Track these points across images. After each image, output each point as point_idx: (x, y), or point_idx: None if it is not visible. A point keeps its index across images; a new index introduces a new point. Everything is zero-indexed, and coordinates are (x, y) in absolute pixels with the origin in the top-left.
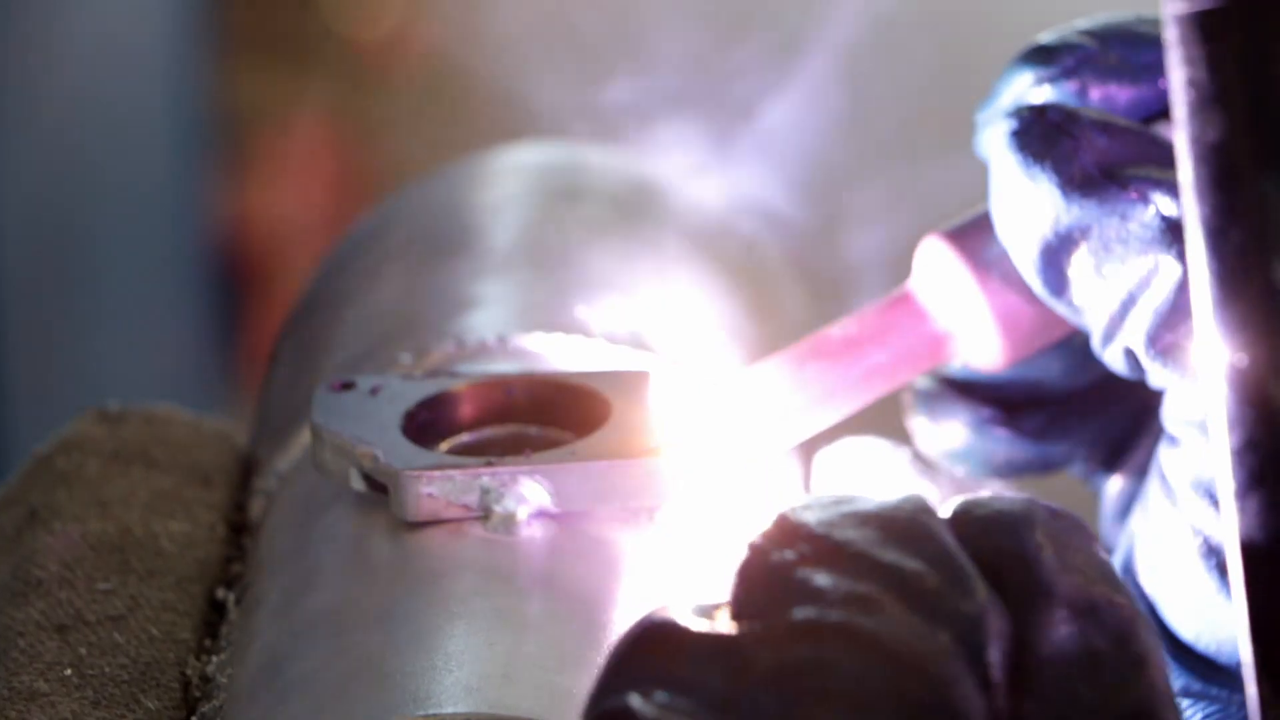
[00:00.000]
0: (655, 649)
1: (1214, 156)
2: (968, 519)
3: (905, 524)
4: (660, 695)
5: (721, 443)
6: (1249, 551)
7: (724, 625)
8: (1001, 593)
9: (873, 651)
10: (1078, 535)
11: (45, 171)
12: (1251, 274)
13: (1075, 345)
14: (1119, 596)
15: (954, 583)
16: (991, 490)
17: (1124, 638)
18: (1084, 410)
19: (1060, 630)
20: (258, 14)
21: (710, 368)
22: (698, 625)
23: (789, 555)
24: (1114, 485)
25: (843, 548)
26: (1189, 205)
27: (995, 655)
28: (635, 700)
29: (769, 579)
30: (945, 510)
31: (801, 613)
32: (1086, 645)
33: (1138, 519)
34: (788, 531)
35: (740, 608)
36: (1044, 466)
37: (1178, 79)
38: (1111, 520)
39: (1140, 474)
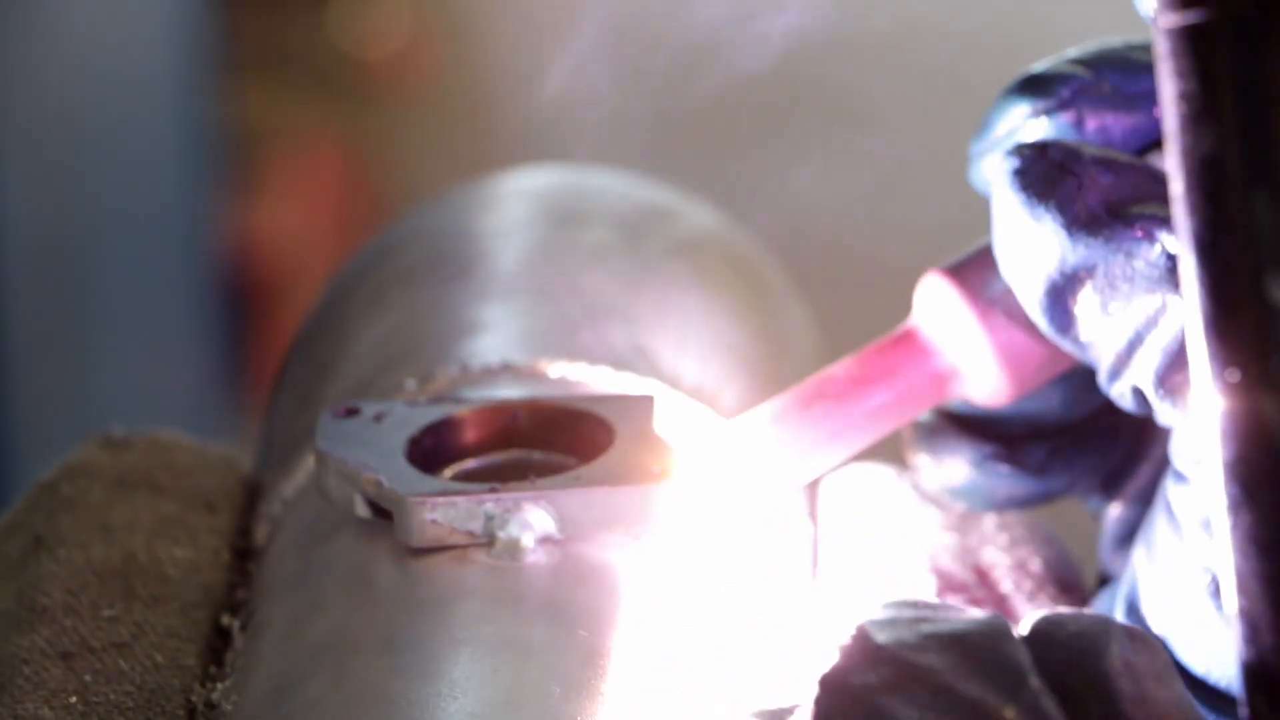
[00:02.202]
0: None
1: (1205, 170)
2: (1047, 642)
3: (988, 652)
4: None
5: (728, 484)
6: (1241, 568)
7: None
8: None
9: None
10: (1155, 662)
11: (52, 191)
12: (1242, 288)
13: (1075, 376)
14: None
15: (1035, 718)
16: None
17: None
18: (1084, 441)
19: None
20: (266, 34)
21: (713, 397)
22: None
23: (871, 679)
24: (1113, 511)
25: (926, 676)
26: (1180, 219)
27: None
28: None
29: (850, 704)
30: (1024, 627)
31: None
32: None
33: (1141, 556)
34: (869, 653)
35: None
36: (1044, 499)
37: (1169, 92)
38: (1111, 546)
39: (1139, 500)
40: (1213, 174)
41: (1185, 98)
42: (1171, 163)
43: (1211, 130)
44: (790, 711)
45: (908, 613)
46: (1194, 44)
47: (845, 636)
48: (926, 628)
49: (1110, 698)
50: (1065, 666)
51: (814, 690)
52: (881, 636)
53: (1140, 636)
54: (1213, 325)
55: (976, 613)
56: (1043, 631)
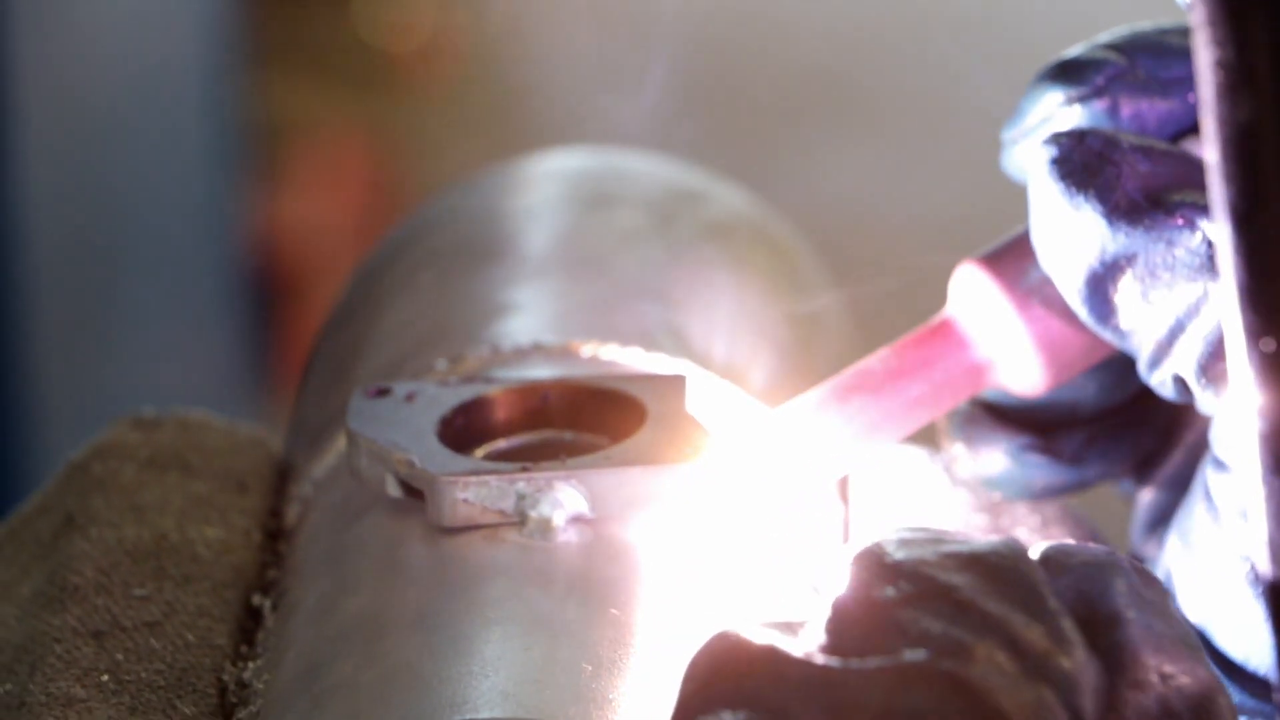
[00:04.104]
0: (751, 670)
1: (1241, 138)
2: (1058, 569)
3: (1009, 572)
4: None
5: (766, 476)
6: (1274, 536)
7: (819, 655)
8: (1092, 648)
9: (981, 703)
10: (1158, 594)
11: (80, 182)
12: (1278, 257)
13: (1110, 364)
14: (1200, 667)
15: (1057, 640)
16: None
17: (1203, 706)
18: (1119, 428)
19: (1147, 694)
20: (291, 26)
21: (743, 377)
22: (795, 650)
23: (890, 592)
24: (1145, 495)
25: (949, 592)
26: (1215, 188)
27: (1090, 713)
28: None
29: (869, 614)
30: (1034, 554)
31: (912, 655)
32: (1167, 710)
33: (1175, 544)
34: (886, 569)
35: (836, 638)
36: (1080, 487)
37: (1205, 60)
38: (1143, 530)
39: (1171, 485)
40: (1249, 143)
41: (1222, 65)
42: (1207, 132)
43: (1248, 98)
44: (802, 624)
45: (922, 535)
46: (1231, 11)
47: (858, 555)
48: (944, 548)
49: (1118, 625)
50: (1075, 594)
51: (828, 604)
52: (899, 554)
53: (1145, 572)
54: (1247, 294)
55: (991, 536)
56: (1053, 560)
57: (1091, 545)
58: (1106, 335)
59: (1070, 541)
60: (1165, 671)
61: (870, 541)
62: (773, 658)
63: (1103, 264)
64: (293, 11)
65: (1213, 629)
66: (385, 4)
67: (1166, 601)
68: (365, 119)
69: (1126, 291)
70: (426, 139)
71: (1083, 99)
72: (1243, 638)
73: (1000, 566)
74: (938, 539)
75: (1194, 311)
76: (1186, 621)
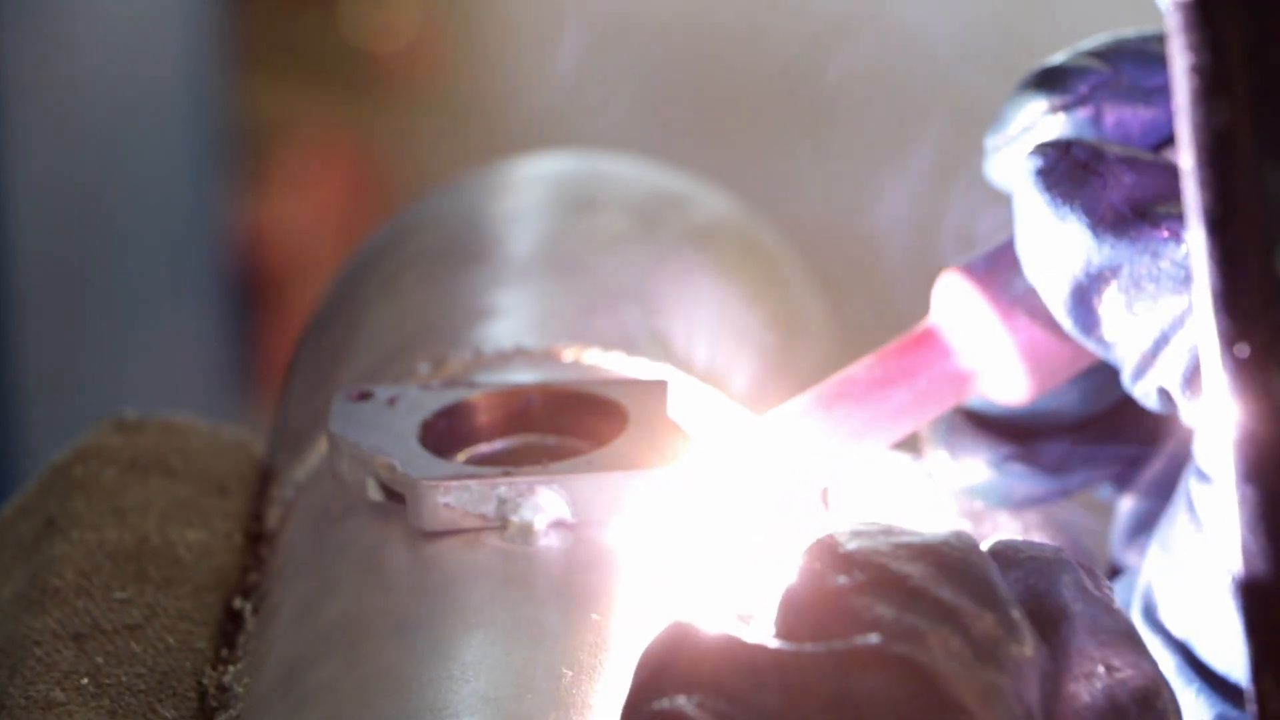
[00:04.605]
0: (704, 656)
1: (1216, 144)
2: (1006, 562)
3: (960, 563)
4: (717, 704)
5: (749, 484)
6: (1248, 544)
7: (772, 641)
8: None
9: (933, 687)
10: (1104, 590)
11: (65, 184)
12: (1253, 262)
13: (1092, 373)
14: (1145, 661)
15: (1008, 628)
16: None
17: (1148, 699)
18: (1100, 437)
19: (1093, 686)
20: (276, 27)
21: (725, 381)
22: (749, 637)
23: (842, 581)
24: (1126, 503)
25: (901, 580)
26: (1190, 194)
27: (1037, 701)
28: (689, 706)
29: (822, 602)
30: (984, 548)
31: (864, 640)
32: (1113, 703)
33: (1156, 556)
34: (840, 557)
35: (788, 626)
36: (1061, 496)
37: (1180, 66)
38: (1124, 538)
39: (1152, 493)
40: (1224, 148)
41: (1197, 71)
42: (1182, 137)
43: (1223, 104)
44: (754, 615)
45: (874, 527)
46: (1206, 17)
47: (810, 546)
48: (896, 539)
49: (1065, 619)
50: (1023, 587)
51: (780, 594)
52: (851, 545)
53: (1091, 569)
54: (1222, 300)
55: (943, 528)
56: (1002, 554)
57: (1040, 541)
58: (1091, 346)
59: (1016, 537)
60: (1111, 665)
61: (822, 533)
62: (726, 644)
63: (1088, 275)
64: (278, 13)
65: (1195, 640)
66: (370, 6)
67: (1112, 597)
68: (350, 121)
69: (1111, 303)
70: (411, 141)
71: (1066, 107)
72: (1226, 649)
73: (952, 557)
74: (889, 530)
75: (1179, 323)
76: (1130, 620)
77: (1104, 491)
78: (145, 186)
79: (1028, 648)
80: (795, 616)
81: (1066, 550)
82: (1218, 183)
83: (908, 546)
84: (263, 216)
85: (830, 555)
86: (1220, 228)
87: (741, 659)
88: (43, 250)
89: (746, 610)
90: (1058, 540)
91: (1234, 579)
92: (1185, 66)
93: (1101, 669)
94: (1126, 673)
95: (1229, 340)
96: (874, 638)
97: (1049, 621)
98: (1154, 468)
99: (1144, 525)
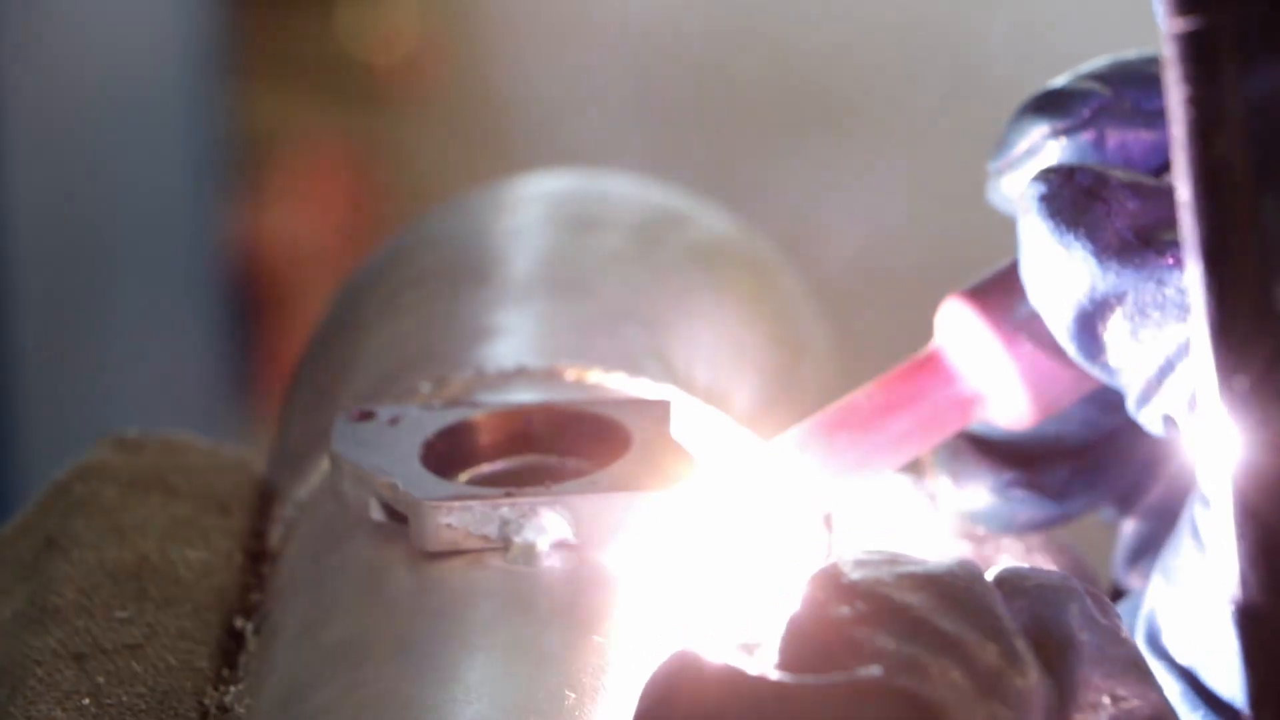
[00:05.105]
0: (707, 687)
1: (1213, 176)
2: (1012, 591)
3: (963, 593)
4: None
5: (752, 511)
6: (1247, 576)
7: (774, 672)
8: (1045, 670)
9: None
10: (1111, 618)
11: (62, 194)
12: (1251, 294)
13: (1095, 398)
14: (1152, 691)
15: (1011, 659)
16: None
17: None
18: (1103, 462)
19: (1098, 715)
20: (275, 38)
21: (727, 401)
22: (750, 667)
23: (845, 611)
24: (1128, 526)
25: (903, 611)
26: (1186, 226)
27: None
28: None
29: (825, 633)
30: (989, 576)
31: (866, 671)
32: None
33: (1159, 584)
34: (842, 589)
35: (791, 657)
36: (1064, 521)
37: (1176, 98)
38: (1126, 560)
39: (1154, 517)
40: (1220, 180)
41: (1193, 102)
42: (1179, 169)
43: (1219, 136)
44: (759, 644)
45: (878, 556)
46: (1201, 49)
47: (814, 575)
48: (900, 568)
49: (1071, 648)
50: (1029, 616)
51: (783, 624)
52: (855, 574)
53: (1099, 597)
54: (1220, 332)
55: (947, 557)
56: (1008, 582)
57: (1047, 569)
58: (1095, 372)
59: (1023, 565)
60: (1117, 694)
61: (826, 562)
62: (728, 675)
63: (1092, 302)
64: (277, 23)
65: (1201, 668)
66: (369, 16)
67: (1119, 625)
68: (348, 131)
69: (1116, 330)
70: (410, 151)
71: (1069, 131)
72: (1231, 676)
73: (955, 587)
74: (894, 559)
75: (1184, 350)
76: (1138, 649)
77: (1106, 514)
78: (144, 197)
79: (1031, 679)
80: (798, 647)
81: (1073, 577)
82: (1214, 214)
83: (911, 576)
84: (261, 227)
85: (833, 585)
86: (1217, 259)
87: (744, 691)
88: (40, 262)
89: (749, 637)
90: (1060, 560)
91: (1234, 609)
92: (1182, 97)
93: (1107, 699)
94: (1133, 703)
95: (1227, 372)
96: (876, 670)
97: (1055, 650)
98: (1157, 491)
99: (1147, 548)
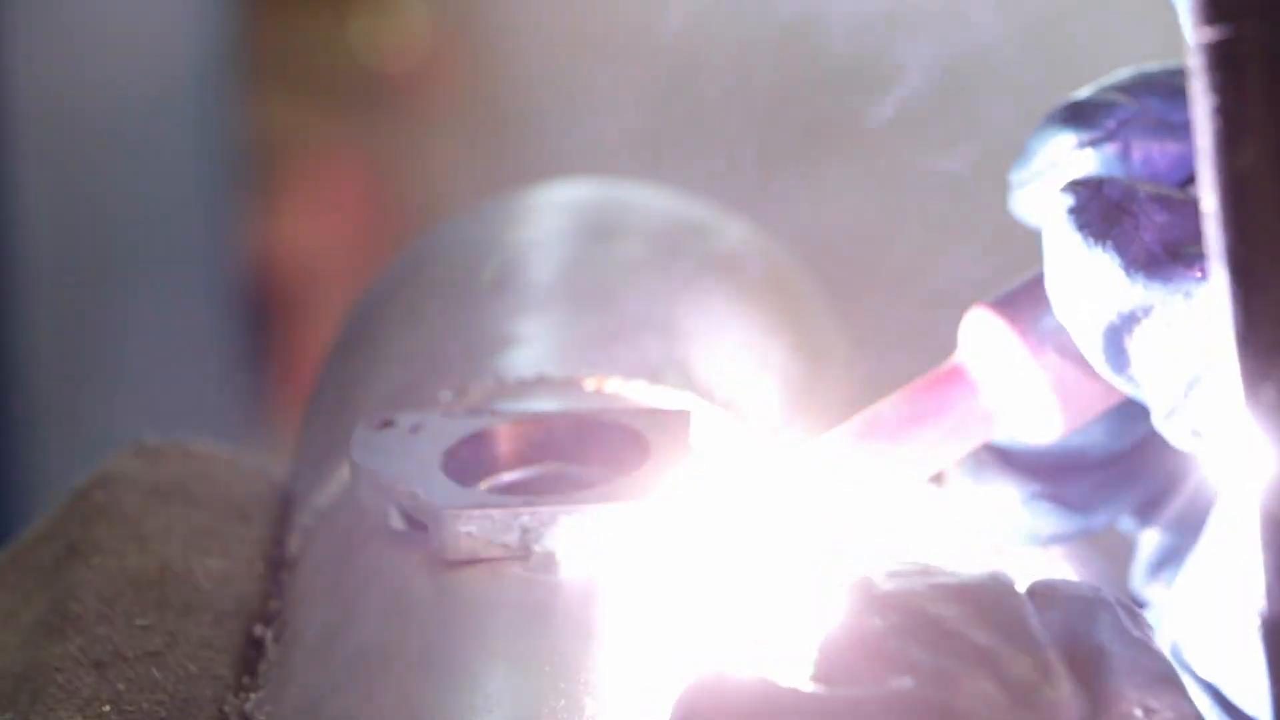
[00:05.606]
0: (740, 700)
1: (1239, 185)
2: (1045, 603)
3: (996, 605)
4: None
5: (777, 523)
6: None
7: (807, 684)
8: (1077, 681)
9: None
10: (1142, 629)
11: (76, 202)
12: (1277, 305)
13: (1118, 410)
14: (1184, 702)
15: (1044, 672)
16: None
17: None
18: (1126, 474)
19: None
20: (289, 45)
21: (747, 411)
22: (784, 680)
23: (878, 623)
24: (1149, 538)
25: (937, 623)
26: (1212, 236)
27: None
28: None
29: (858, 644)
30: (1021, 587)
31: (898, 683)
32: None
33: (1183, 599)
34: (875, 600)
35: (823, 669)
36: (1087, 533)
37: (1202, 108)
38: (1146, 572)
39: (1175, 529)
40: (1247, 190)
41: (1220, 112)
42: (1204, 179)
43: (1245, 146)
44: (791, 656)
45: (910, 567)
46: (1227, 59)
47: (847, 586)
48: (933, 579)
49: (1103, 659)
50: (1061, 628)
51: (817, 635)
52: (888, 585)
53: (1130, 608)
54: (1246, 343)
55: (979, 569)
56: (1040, 594)
57: (1078, 581)
58: (1121, 385)
59: (1055, 578)
60: (1149, 705)
61: (859, 573)
62: (761, 688)
63: (1120, 316)
64: (290, 31)
65: (1224, 682)
66: (383, 24)
67: (1151, 637)
68: (362, 139)
69: (1143, 343)
70: (423, 159)
71: (1094, 143)
72: (1255, 690)
73: (988, 598)
74: (926, 571)
75: (1211, 364)
76: (1169, 660)
77: (1125, 524)
78: (158, 204)
79: (1063, 691)
80: (831, 658)
81: (1105, 589)
82: (1240, 224)
83: (944, 588)
84: (275, 235)
85: (867, 596)
86: (1243, 269)
87: (776, 703)
88: (56, 270)
89: (774, 647)
90: (1086, 569)
91: (1259, 621)
92: (1208, 108)
93: (1139, 711)
94: (1165, 715)
95: (1253, 382)
96: (908, 681)
97: (1087, 662)
98: (1179, 503)
99: (1168, 560)
